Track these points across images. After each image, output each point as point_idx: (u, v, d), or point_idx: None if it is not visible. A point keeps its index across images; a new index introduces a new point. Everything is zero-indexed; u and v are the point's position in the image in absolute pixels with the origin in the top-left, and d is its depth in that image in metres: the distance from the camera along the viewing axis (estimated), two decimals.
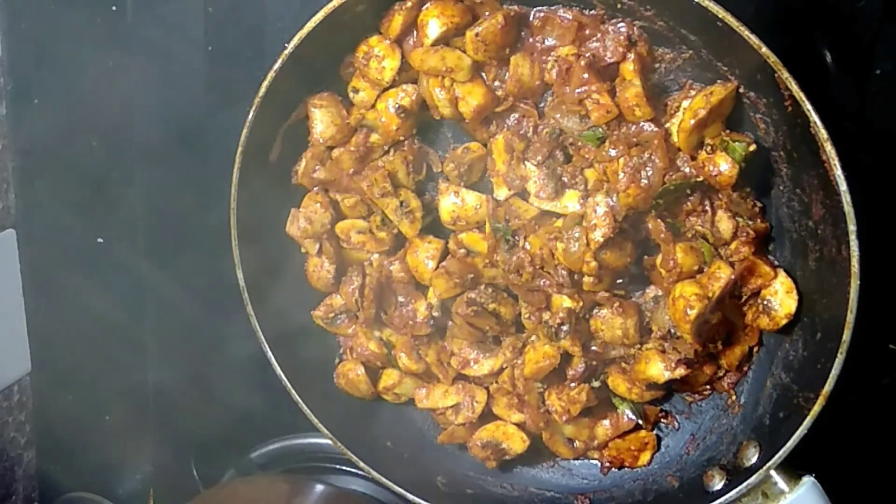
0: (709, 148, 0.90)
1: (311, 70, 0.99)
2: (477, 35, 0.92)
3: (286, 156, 1.04)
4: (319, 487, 1.12)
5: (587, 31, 0.93)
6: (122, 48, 1.14)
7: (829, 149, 0.81)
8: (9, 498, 1.25)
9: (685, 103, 0.91)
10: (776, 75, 0.82)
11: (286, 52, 0.94)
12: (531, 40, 0.95)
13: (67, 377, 1.25)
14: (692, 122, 0.89)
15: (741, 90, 0.89)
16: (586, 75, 0.91)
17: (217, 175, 1.01)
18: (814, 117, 0.81)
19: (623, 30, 0.91)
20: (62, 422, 1.27)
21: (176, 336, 1.21)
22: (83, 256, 1.21)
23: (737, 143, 0.89)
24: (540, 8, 0.94)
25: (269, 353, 1.04)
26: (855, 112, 0.93)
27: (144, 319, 1.22)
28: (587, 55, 0.92)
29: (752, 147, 0.89)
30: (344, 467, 1.17)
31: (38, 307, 1.23)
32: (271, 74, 0.95)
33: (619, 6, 0.90)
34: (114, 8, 1.13)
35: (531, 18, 0.94)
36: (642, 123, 0.91)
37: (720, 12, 0.82)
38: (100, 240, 1.21)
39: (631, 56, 0.90)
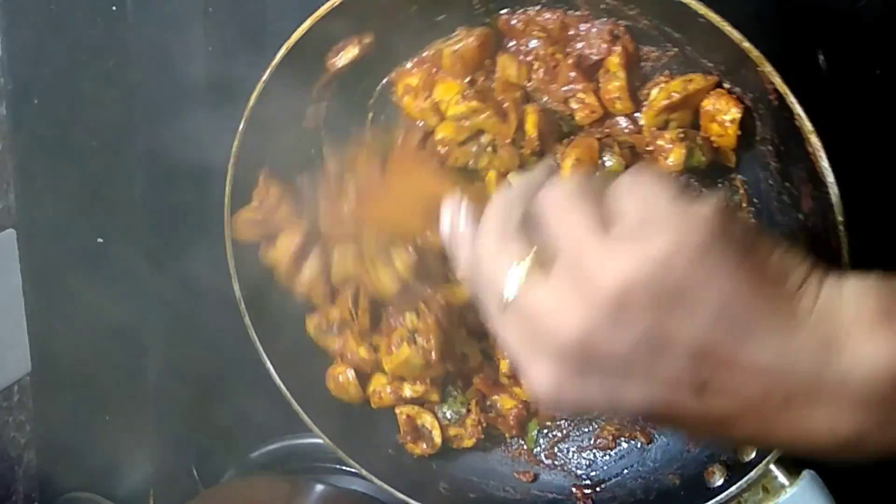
0: (676, 133, 0.91)
1: (310, 71, 0.99)
2: (454, 52, 0.92)
3: None
4: (319, 487, 1.11)
5: (571, 32, 0.93)
6: (122, 48, 1.14)
7: (815, 140, 0.81)
8: (9, 498, 1.25)
9: (658, 89, 0.92)
10: (759, 70, 0.81)
11: (280, 54, 0.94)
12: (515, 43, 0.95)
13: (67, 377, 1.25)
14: (665, 102, 0.89)
15: (727, 86, 0.89)
16: (573, 74, 0.91)
17: (217, 176, 1.01)
18: (797, 109, 0.81)
19: (606, 27, 0.91)
20: (62, 422, 1.27)
21: (176, 336, 1.21)
22: (83, 256, 1.21)
23: (701, 152, 0.89)
24: (524, 10, 0.94)
25: (268, 363, 1.04)
26: (854, 113, 0.92)
27: (144, 319, 1.22)
28: (574, 54, 0.92)
29: (703, 161, 0.89)
30: (344, 467, 1.16)
31: (38, 307, 1.23)
32: (265, 78, 0.95)
33: (602, 6, 0.90)
34: (114, 8, 1.13)
35: (514, 22, 0.94)
36: (617, 118, 0.92)
37: (701, 8, 0.81)
38: (100, 240, 1.21)
39: (617, 49, 0.90)
